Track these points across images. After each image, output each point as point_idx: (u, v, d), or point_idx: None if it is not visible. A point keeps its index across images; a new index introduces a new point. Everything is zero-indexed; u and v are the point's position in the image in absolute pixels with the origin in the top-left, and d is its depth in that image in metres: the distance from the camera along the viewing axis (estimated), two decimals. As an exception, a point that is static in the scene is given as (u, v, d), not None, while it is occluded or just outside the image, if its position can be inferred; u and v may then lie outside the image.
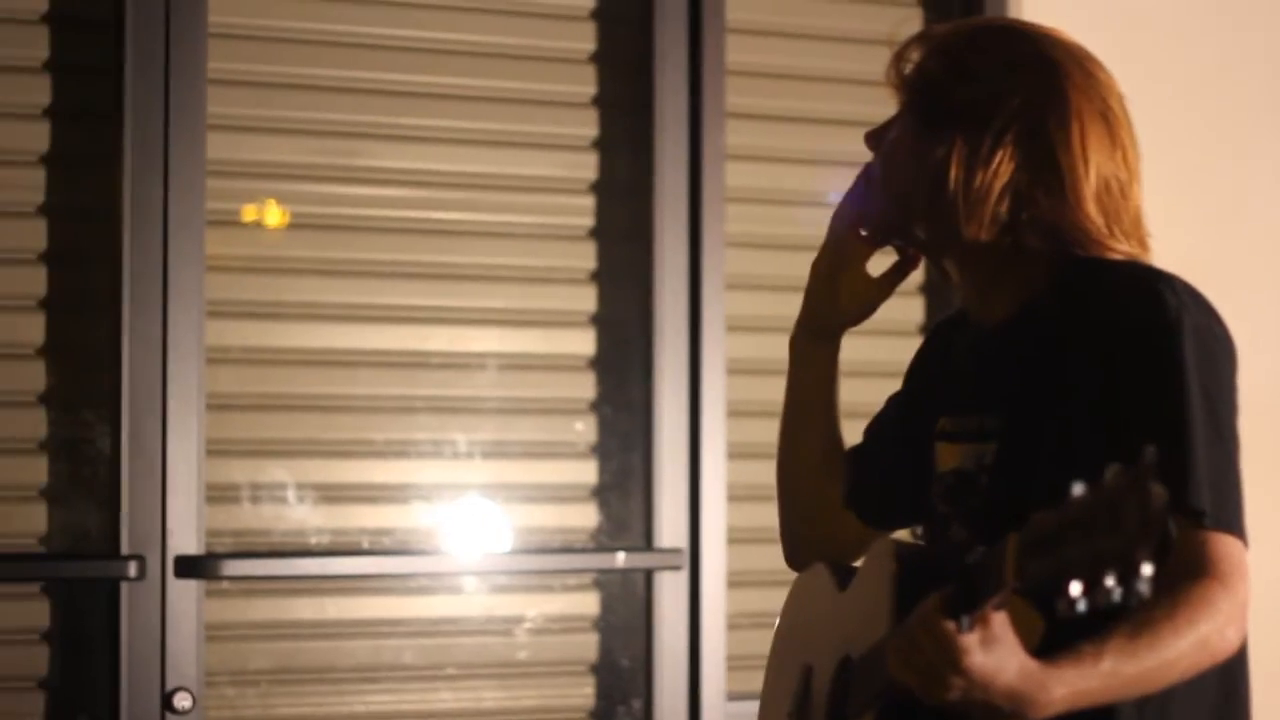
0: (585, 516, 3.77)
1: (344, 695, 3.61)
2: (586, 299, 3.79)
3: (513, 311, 3.74)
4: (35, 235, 3.44)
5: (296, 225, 3.64)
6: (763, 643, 2.49)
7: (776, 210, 3.93)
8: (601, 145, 3.82)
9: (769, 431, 2.52)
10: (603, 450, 3.78)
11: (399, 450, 3.65)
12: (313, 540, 3.58)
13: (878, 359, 3.08)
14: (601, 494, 3.78)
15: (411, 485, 3.66)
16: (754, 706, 2.46)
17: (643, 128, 3.79)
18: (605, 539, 3.77)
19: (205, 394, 3.45)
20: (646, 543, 3.74)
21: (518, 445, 3.73)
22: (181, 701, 3.39)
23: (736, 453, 3.78)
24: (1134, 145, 2.14)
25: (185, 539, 3.41)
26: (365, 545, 3.61)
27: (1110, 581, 1.56)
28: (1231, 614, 1.94)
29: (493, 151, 3.74)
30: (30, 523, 3.41)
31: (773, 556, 2.51)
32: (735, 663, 3.76)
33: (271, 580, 3.57)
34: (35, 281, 3.43)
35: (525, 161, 3.76)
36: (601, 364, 3.80)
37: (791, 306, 2.39)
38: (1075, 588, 1.58)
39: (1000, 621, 1.84)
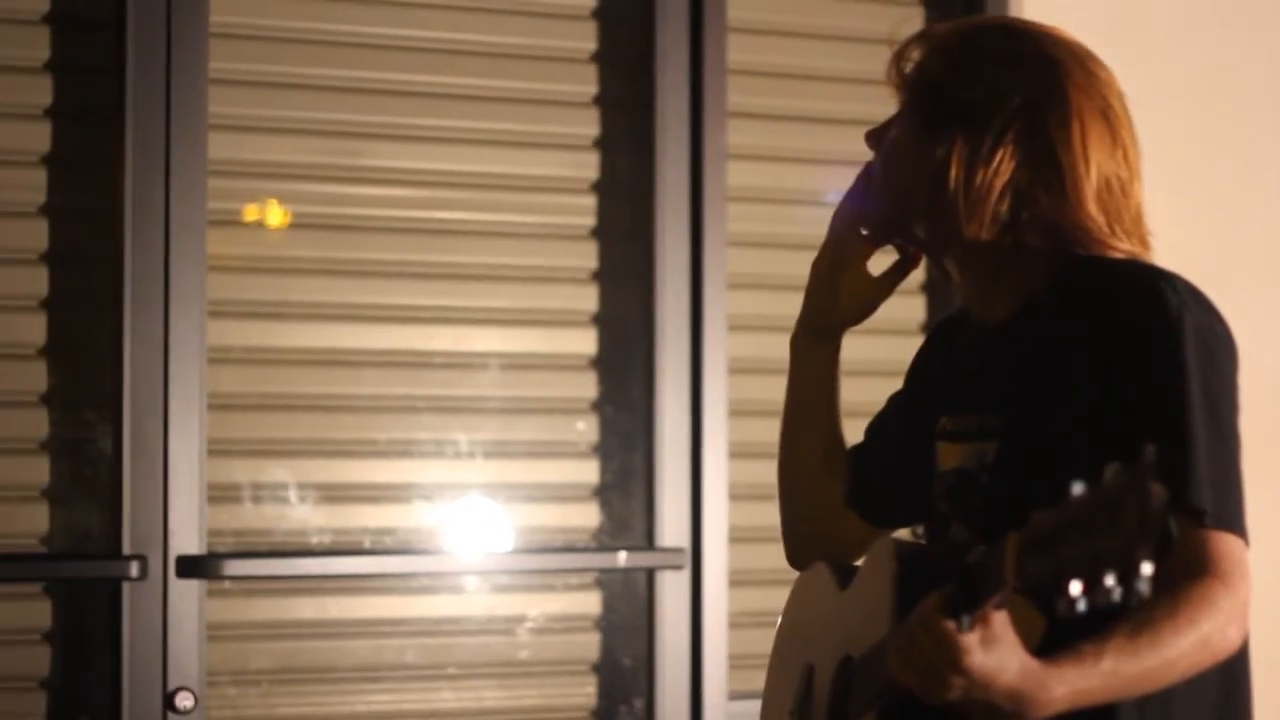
0: (587, 516, 3.77)
1: (346, 695, 3.61)
2: (588, 298, 3.79)
3: (514, 311, 3.74)
4: (37, 235, 3.44)
5: (298, 225, 3.64)
6: (764, 642, 2.49)
7: (778, 210, 3.93)
8: (603, 145, 3.81)
9: (770, 431, 2.52)
10: (604, 450, 3.78)
11: (400, 450, 3.65)
12: (314, 540, 3.58)
13: (878, 358, 3.08)
14: (603, 493, 3.78)
15: (413, 485, 3.66)
16: (756, 705, 2.46)
17: (644, 127, 3.79)
18: (607, 538, 3.76)
19: (207, 394, 3.45)
20: (648, 542, 3.74)
21: (519, 445, 3.73)
22: (183, 701, 3.39)
23: (738, 452, 3.78)
24: (1135, 144, 2.13)
25: (187, 539, 3.41)
26: (367, 545, 3.61)
27: (1110, 581, 1.56)
28: (1232, 613, 1.94)
29: (494, 151, 3.74)
30: (32, 523, 3.41)
31: (774, 556, 2.51)
32: (737, 662, 3.76)
33: (273, 580, 3.57)
34: (37, 282, 3.43)
35: (527, 161, 3.76)
36: (603, 363, 3.79)
37: (793, 306, 2.39)
38: (1075, 587, 1.58)
39: (1001, 621, 1.84)
